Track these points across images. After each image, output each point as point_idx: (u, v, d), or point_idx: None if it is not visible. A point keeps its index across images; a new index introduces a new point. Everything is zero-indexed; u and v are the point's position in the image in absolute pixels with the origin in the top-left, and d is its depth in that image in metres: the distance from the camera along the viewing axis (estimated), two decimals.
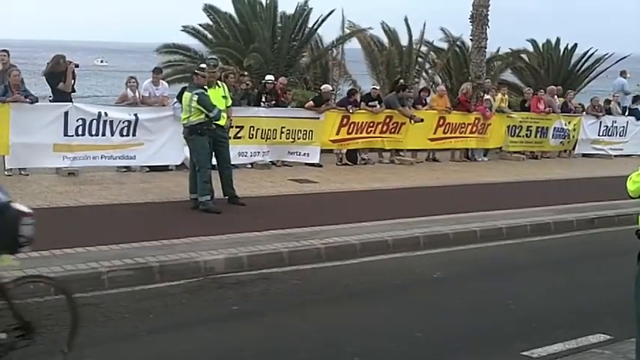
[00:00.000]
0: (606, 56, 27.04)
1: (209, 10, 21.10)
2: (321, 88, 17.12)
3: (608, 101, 21.89)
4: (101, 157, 13.62)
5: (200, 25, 21.28)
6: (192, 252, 8.71)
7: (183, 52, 20.94)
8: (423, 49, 24.33)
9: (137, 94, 14.56)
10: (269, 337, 6.69)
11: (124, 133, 13.73)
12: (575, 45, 27.16)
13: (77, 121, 13.27)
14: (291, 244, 9.43)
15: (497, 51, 25.59)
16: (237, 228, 9.90)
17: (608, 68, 27.41)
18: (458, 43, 24.39)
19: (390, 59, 22.70)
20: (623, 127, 21.43)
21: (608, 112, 21.32)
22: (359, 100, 17.04)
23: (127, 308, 7.14)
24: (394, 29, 23.65)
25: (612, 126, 21.27)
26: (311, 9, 20.75)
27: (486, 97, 19.03)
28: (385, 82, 21.81)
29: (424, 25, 23.61)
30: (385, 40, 23.64)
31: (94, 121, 13.41)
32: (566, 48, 27.08)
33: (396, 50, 23.15)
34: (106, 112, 13.58)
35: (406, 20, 23.36)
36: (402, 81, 18.94)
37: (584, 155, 20.74)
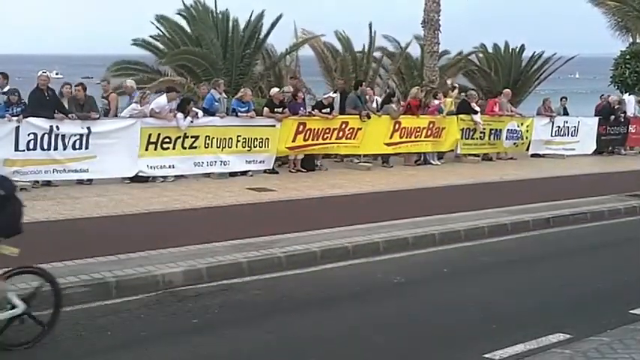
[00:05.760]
0: (554, 56, 27.52)
1: (160, 20, 21.13)
2: (270, 92, 17.09)
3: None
4: (53, 172, 13.42)
5: (151, 36, 21.40)
6: (149, 265, 8.56)
7: (134, 67, 21.33)
8: (377, 54, 24.49)
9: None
10: (230, 350, 6.60)
11: (77, 147, 13.54)
12: (523, 47, 27.57)
13: (28, 135, 13.05)
14: (251, 253, 9.34)
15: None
16: (195, 239, 9.77)
17: (557, 69, 27.89)
18: (410, 47, 24.64)
19: (344, 65, 22.78)
20: (575, 126, 21.81)
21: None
22: (304, 102, 17.32)
23: (83, 326, 6.97)
24: (347, 37, 23.76)
25: (564, 126, 21.63)
26: (263, 15, 20.73)
27: (435, 101, 19.23)
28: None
29: (374, 32, 23.80)
30: (339, 47, 23.72)
31: (46, 135, 13.20)
32: (514, 50, 27.48)
33: (350, 57, 23.25)
34: (57, 126, 13.35)
35: (370, 26, 23.57)
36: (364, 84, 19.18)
37: (533, 155, 21.00)
